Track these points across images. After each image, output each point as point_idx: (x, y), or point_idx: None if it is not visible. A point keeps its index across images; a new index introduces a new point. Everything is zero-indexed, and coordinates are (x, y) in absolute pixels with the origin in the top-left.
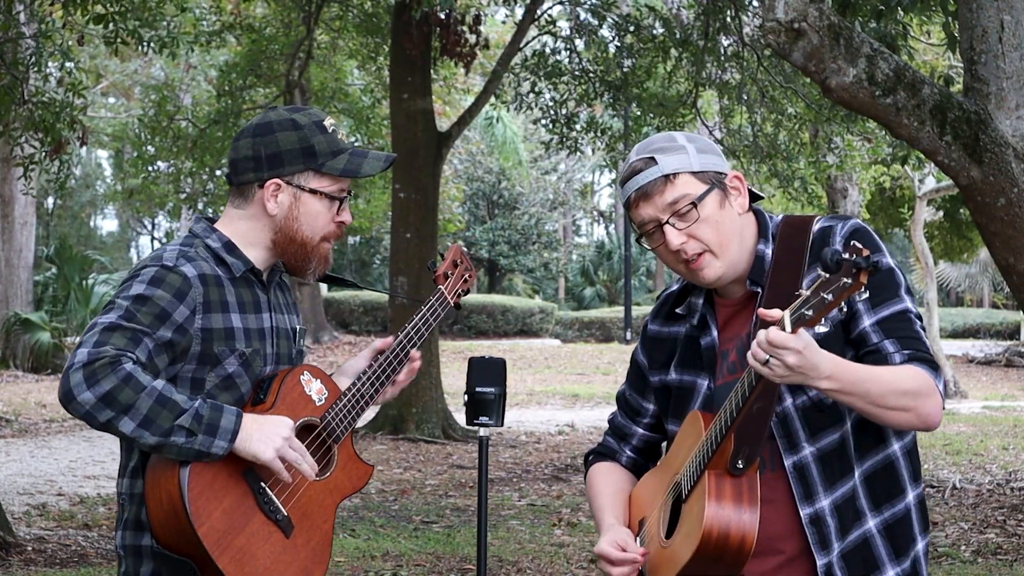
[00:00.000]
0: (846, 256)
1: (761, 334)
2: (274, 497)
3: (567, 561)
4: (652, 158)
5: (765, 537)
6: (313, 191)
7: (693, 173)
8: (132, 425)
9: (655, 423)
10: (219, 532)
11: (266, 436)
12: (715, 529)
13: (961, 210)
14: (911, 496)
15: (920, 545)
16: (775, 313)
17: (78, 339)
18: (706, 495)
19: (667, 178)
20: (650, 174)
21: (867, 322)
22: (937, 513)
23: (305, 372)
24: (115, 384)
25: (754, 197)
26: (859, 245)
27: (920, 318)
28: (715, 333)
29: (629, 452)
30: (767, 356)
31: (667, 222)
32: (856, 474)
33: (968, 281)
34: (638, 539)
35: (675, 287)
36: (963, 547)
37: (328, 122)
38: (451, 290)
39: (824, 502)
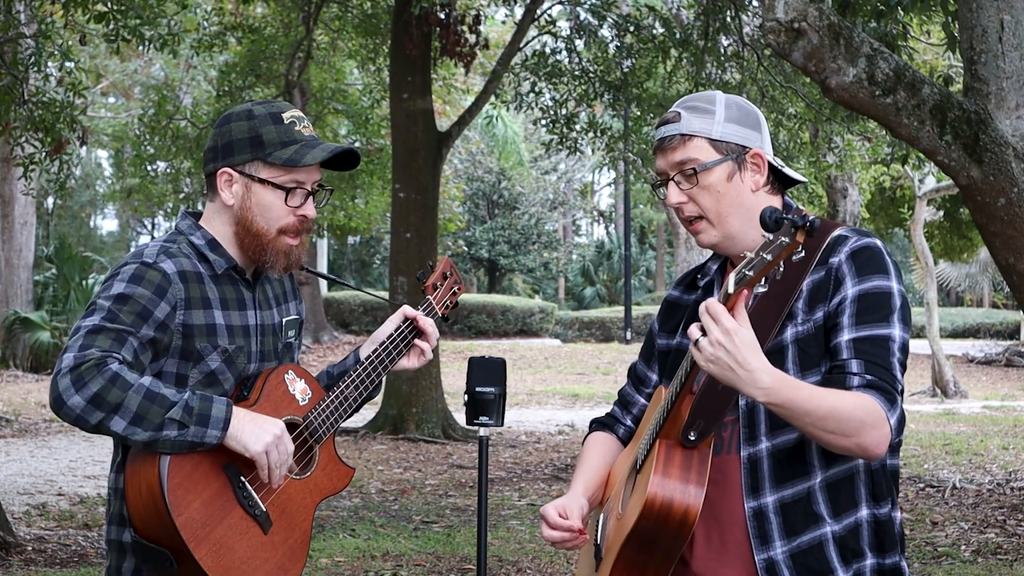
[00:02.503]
0: (785, 215)
1: (705, 302)
2: (253, 492)
3: (567, 561)
4: (679, 113)
5: (712, 517)
6: (262, 181)
7: (710, 140)
8: (123, 423)
9: None
10: (197, 523)
11: (259, 430)
12: (658, 499)
13: (961, 210)
14: (864, 512)
15: (868, 562)
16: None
17: (65, 343)
18: (653, 464)
19: (683, 137)
20: (671, 129)
21: (845, 337)
22: (937, 513)
23: (290, 371)
24: (102, 385)
25: (789, 182)
26: (801, 208)
27: (906, 349)
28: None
29: (629, 421)
30: (700, 333)
31: (672, 179)
32: (817, 479)
33: (968, 281)
34: (601, 514)
35: (705, 259)
36: (963, 547)
37: (288, 114)
38: (439, 301)
39: (769, 498)
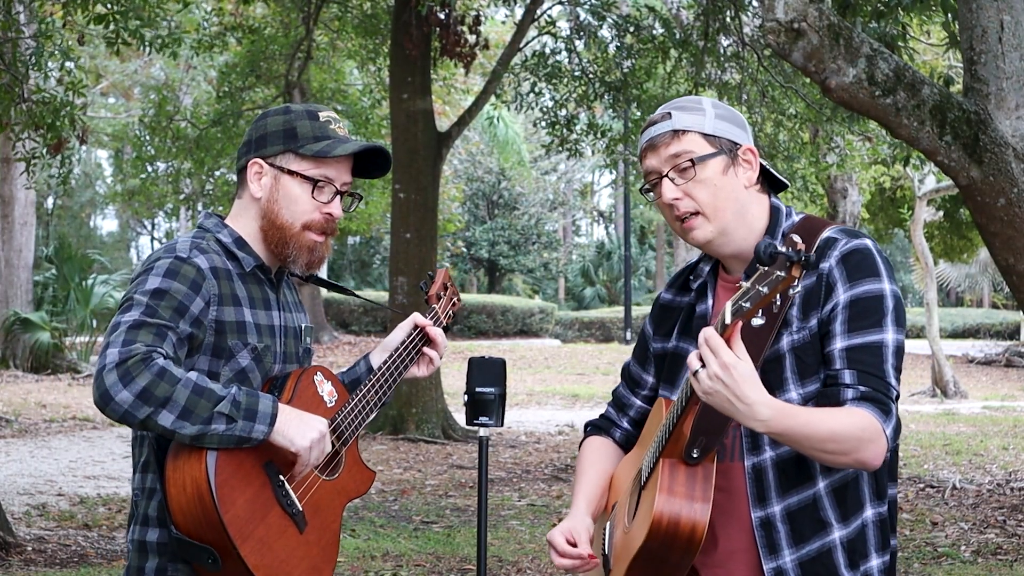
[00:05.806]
0: (780, 249)
1: (703, 331)
2: (291, 491)
3: None
4: (669, 113)
5: (718, 523)
6: (292, 172)
7: (703, 134)
8: (172, 418)
9: (653, 396)
10: (242, 520)
11: (305, 427)
12: (665, 518)
13: (961, 210)
14: (869, 512)
15: (875, 563)
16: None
17: (103, 340)
18: (658, 484)
19: (675, 133)
20: (661, 127)
21: (838, 345)
22: (937, 513)
23: (318, 373)
24: (150, 379)
25: (778, 186)
26: (796, 238)
27: (901, 351)
28: (710, 303)
29: (625, 424)
30: (699, 364)
31: (666, 175)
32: (820, 485)
33: (968, 281)
34: (608, 523)
35: (695, 259)
36: (963, 547)
37: (325, 114)
38: (443, 311)
39: (776, 507)
